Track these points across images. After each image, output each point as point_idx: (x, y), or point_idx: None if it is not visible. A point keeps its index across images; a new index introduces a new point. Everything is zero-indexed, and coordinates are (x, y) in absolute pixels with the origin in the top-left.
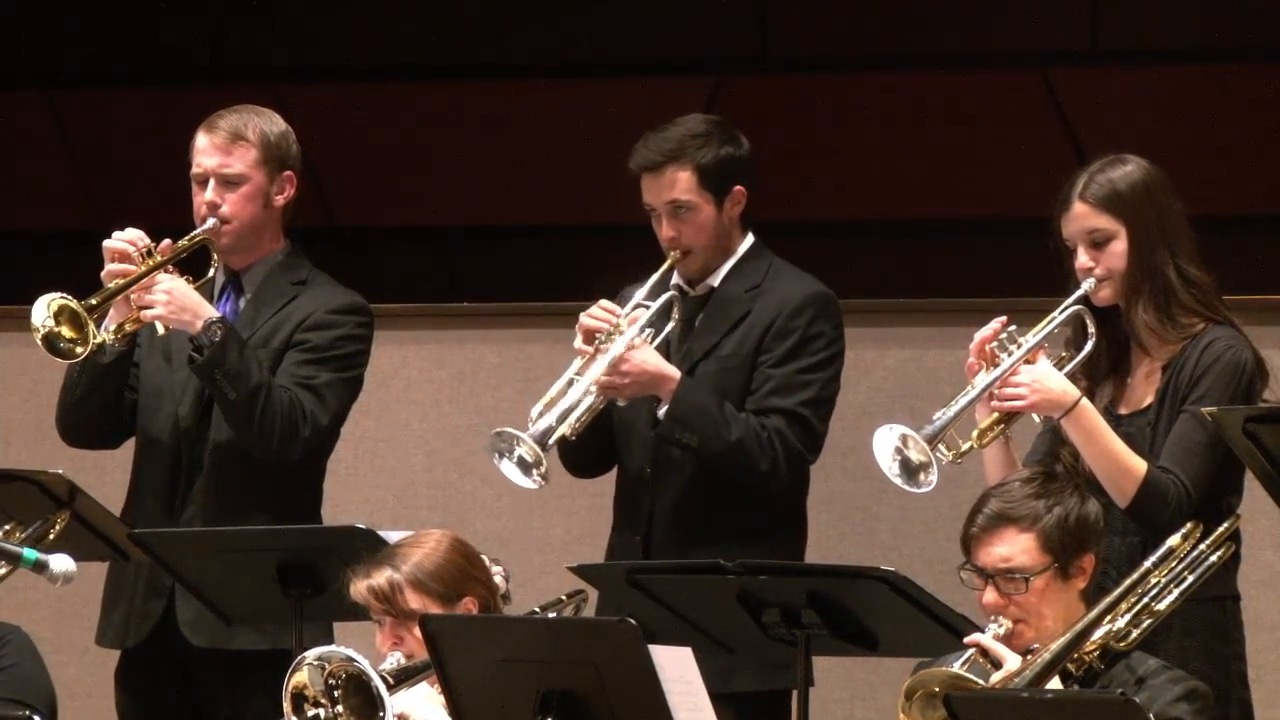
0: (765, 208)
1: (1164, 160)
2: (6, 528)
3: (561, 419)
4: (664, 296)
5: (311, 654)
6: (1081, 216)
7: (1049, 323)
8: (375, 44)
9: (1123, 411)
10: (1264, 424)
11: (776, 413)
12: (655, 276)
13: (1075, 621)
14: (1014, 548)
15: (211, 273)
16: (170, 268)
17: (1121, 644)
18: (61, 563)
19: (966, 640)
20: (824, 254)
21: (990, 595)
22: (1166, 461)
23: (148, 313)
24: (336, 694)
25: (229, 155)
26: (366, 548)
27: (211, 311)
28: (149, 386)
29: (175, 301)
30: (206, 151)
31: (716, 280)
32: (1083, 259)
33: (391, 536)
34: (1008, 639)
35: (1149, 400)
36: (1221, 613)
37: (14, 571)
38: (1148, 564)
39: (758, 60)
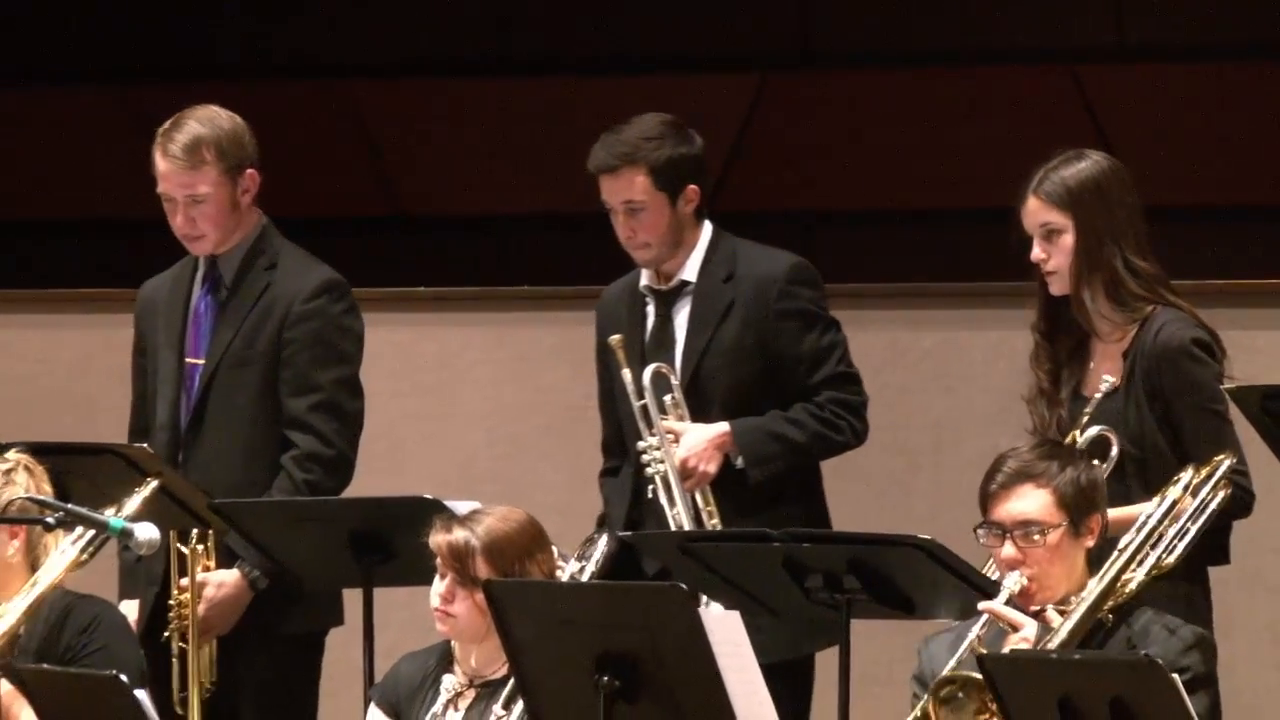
0: (808, 197)
1: (1183, 152)
2: (112, 509)
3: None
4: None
5: None
6: (1034, 211)
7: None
8: (440, 42)
9: (1086, 394)
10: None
11: (823, 386)
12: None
13: (1082, 578)
14: (1032, 503)
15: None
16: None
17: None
18: (146, 530)
19: (981, 607)
20: (863, 240)
21: (1008, 550)
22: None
23: (212, 634)
24: None
25: (192, 182)
26: (432, 517)
27: (237, 581)
28: (153, 389)
29: (221, 614)
30: (168, 177)
31: (691, 274)
32: (1036, 251)
33: (456, 506)
34: (1023, 596)
35: (1110, 385)
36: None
37: (105, 540)
38: (1154, 519)
39: (801, 57)
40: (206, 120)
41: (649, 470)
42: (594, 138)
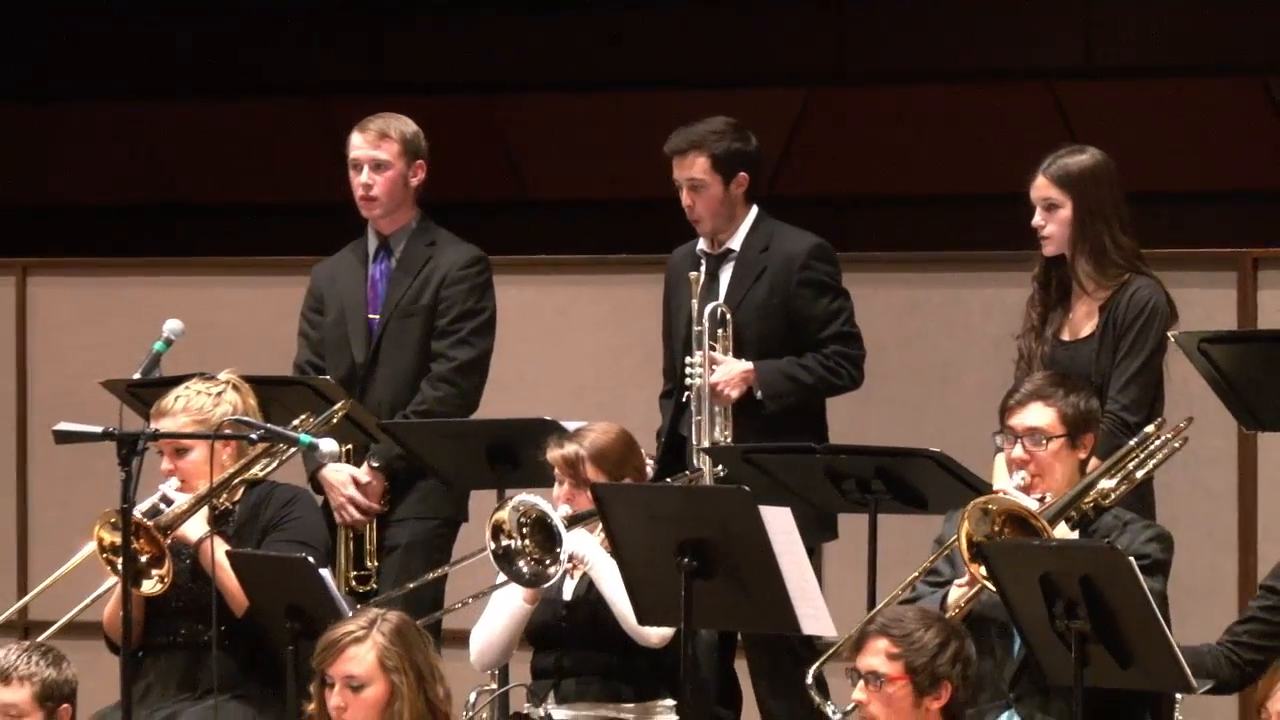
0: (843, 185)
1: (1141, 150)
2: (301, 419)
3: None
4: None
5: (512, 501)
6: (1040, 187)
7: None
8: (557, 65)
9: (1065, 338)
10: (1213, 344)
11: (830, 341)
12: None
13: (1075, 483)
14: (1040, 417)
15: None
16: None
17: (1106, 501)
18: (329, 444)
19: (997, 487)
20: (887, 219)
21: (1018, 451)
22: (1110, 392)
23: (352, 518)
24: (525, 530)
25: (378, 148)
26: (551, 433)
27: (365, 471)
28: (332, 338)
29: (360, 509)
30: (361, 146)
31: (736, 244)
32: (1036, 219)
33: (569, 425)
34: (1025, 489)
35: (1089, 331)
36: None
37: (296, 452)
38: (1132, 443)
39: (838, 77)
40: (397, 118)
41: (688, 381)
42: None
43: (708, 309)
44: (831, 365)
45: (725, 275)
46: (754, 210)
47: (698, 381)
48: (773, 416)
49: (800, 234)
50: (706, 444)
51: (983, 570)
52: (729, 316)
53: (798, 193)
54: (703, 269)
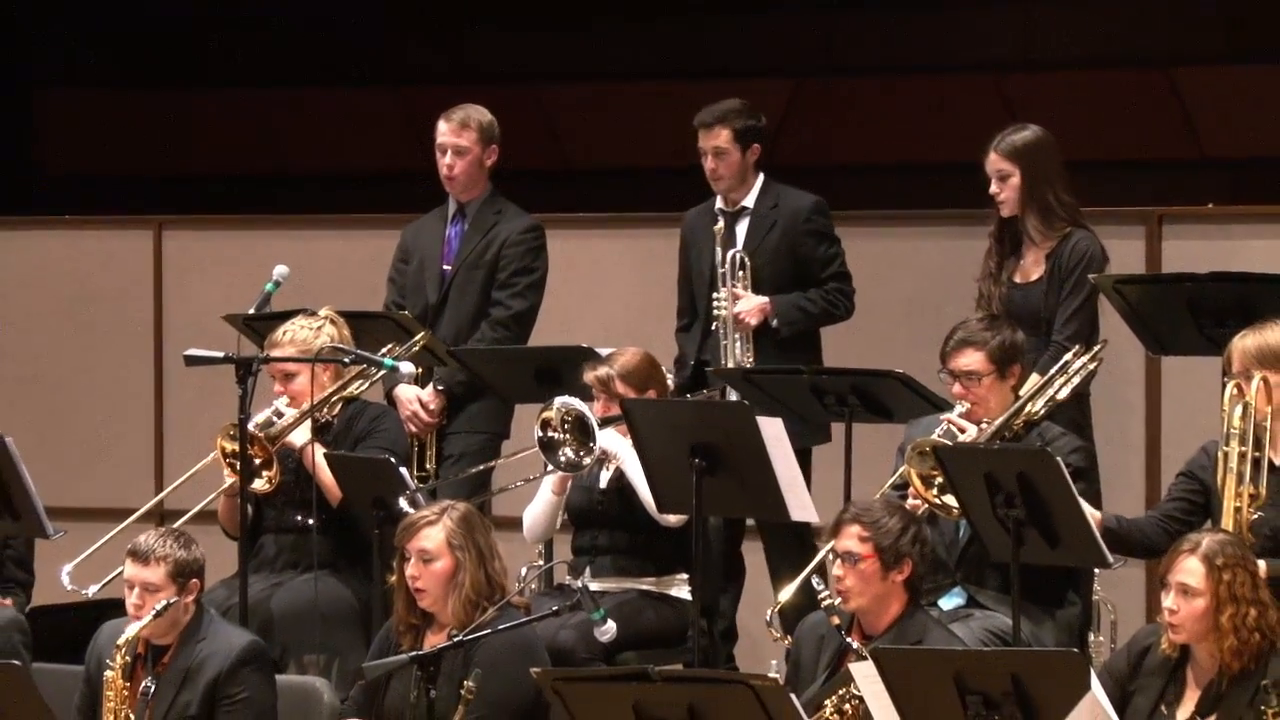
0: (827, 156)
1: (1065, 128)
2: (388, 347)
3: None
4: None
5: (558, 401)
6: (992, 161)
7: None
8: (590, 58)
9: (1018, 281)
10: (1126, 285)
11: (830, 280)
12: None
13: (1010, 405)
14: (971, 360)
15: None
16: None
17: (1035, 419)
18: (407, 367)
19: (941, 418)
20: (865, 185)
21: (956, 388)
22: (1055, 325)
23: (415, 429)
24: (566, 426)
25: (460, 136)
26: (588, 357)
27: (430, 392)
28: (413, 283)
29: (422, 423)
30: (445, 133)
31: (749, 202)
32: (992, 187)
33: (602, 351)
34: (967, 415)
35: (1038, 276)
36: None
37: (381, 373)
38: (1054, 370)
39: (825, 69)
40: (477, 110)
41: (715, 312)
42: (689, 121)
43: (730, 254)
44: (831, 299)
45: (741, 228)
46: (761, 175)
47: (723, 313)
48: (784, 340)
49: (801, 194)
50: (732, 364)
51: (933, 493)
52: (747, 260)
53: (790, 163)
54: (721, 223)
